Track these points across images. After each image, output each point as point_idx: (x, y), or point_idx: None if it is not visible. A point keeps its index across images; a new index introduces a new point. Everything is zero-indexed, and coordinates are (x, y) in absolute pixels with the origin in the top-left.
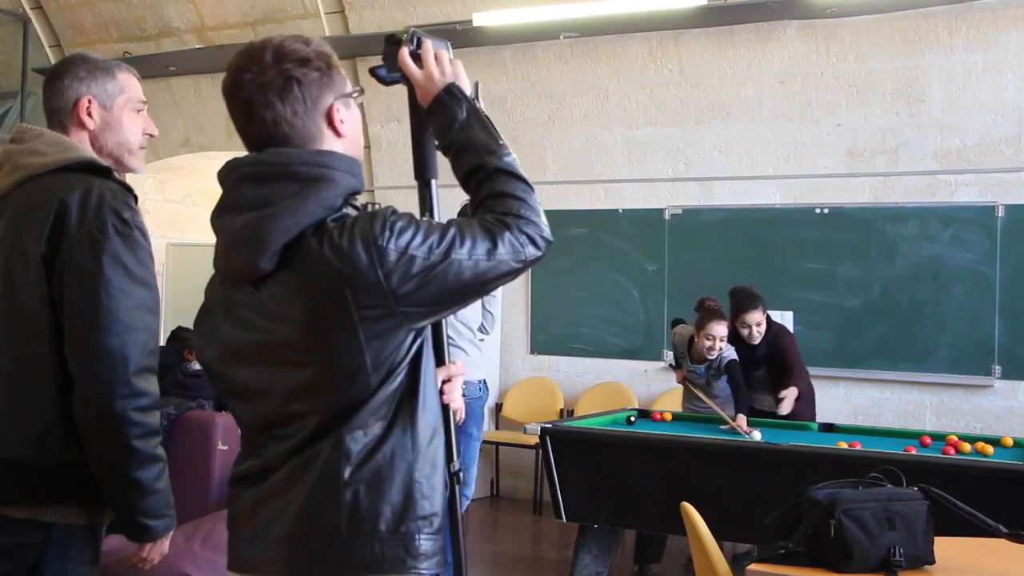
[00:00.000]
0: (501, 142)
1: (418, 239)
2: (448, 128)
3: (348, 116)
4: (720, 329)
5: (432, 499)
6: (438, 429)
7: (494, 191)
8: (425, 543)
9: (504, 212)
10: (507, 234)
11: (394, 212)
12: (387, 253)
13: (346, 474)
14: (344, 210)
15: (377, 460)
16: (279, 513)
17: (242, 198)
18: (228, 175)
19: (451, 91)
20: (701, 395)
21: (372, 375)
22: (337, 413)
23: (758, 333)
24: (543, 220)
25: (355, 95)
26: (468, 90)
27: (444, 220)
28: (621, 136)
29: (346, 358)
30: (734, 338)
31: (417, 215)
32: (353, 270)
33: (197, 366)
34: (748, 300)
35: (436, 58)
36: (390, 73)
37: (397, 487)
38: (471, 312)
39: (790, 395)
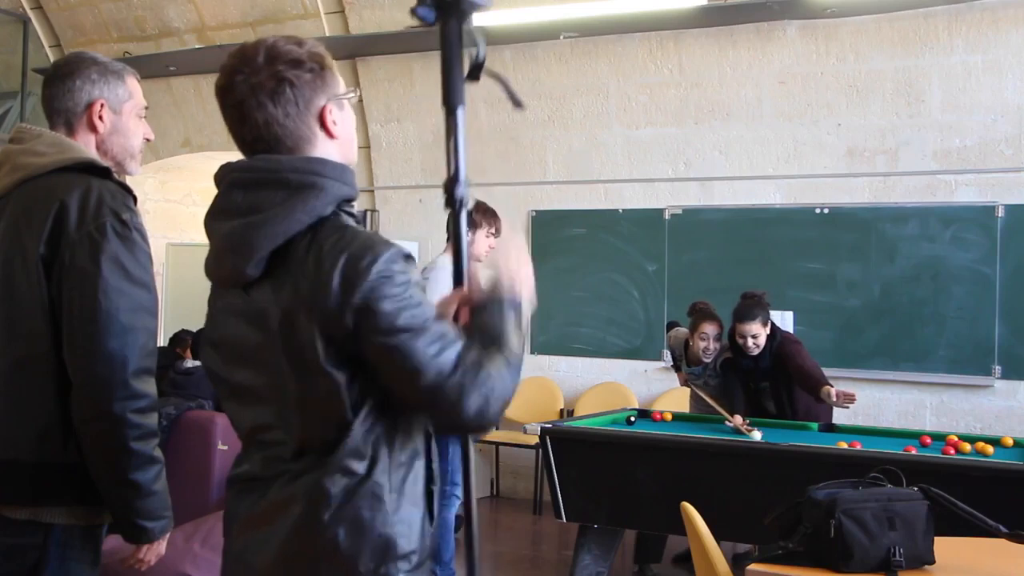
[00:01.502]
0: (518, 340)
1: (398, 305)
2: (487, 322)
3: (341, 117)
4: (712, 329)
5: (410, 536)
6: (419, 452)
7: (494, 360)
8: None
9: (488, 375)
10: (470, 383)
11: (395, 261)
12: (359, 293)
13: (326, 516)
14: (338, 217)
15: (356, 502)
16: (264, 542)
17: (232, 203)
18: (221, 179)
19: (514, 303)
20: (705, 396)
21: (345, 397)
22: (314, 433)
23: (755, 346)
24: (497, 410)
25: (349, 96)
26: (527, 302)
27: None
28: (621, 136)
29: (316, 375)
30: (733, 346)
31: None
32: (323, 293)
33: (190, 364)
34: (748, 311)
35: (515, 259)
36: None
37: (377, 529)
38: None
39: (836, 391)
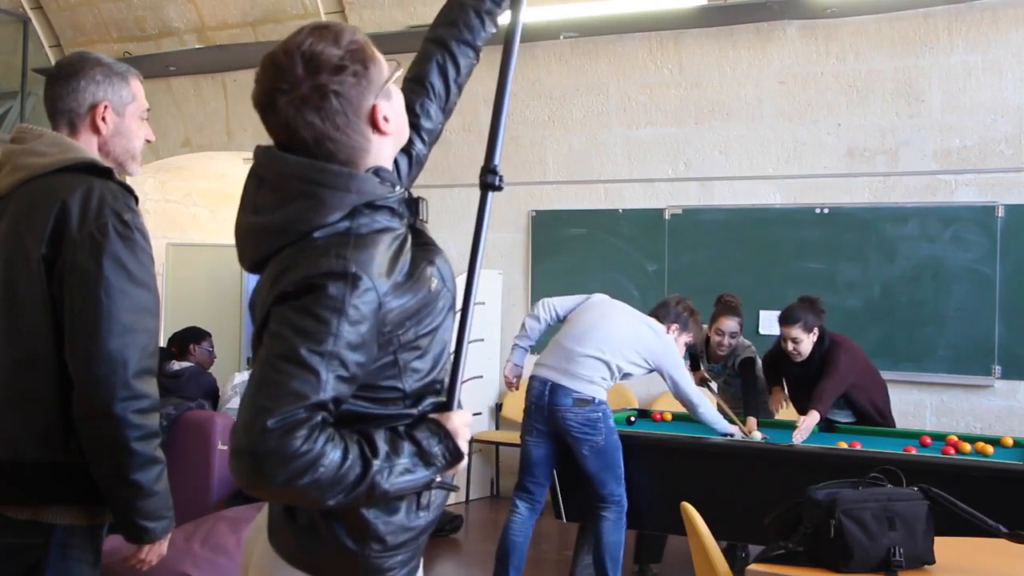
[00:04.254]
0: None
1: (301, 335)
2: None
3: (391, 109)
4: (730, 324)
5: (387, 521)
6: None
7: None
8: (376, 560)
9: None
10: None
11: (332, 298)
12: (278, 315)
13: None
14: (342, 224)
15: None
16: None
17: (247, 194)
18: (253, 158)
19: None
20: (717, 400)
21: None
22: None
23: (795, 351)
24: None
25: (394, 79)
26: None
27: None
28: (621, 136)
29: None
30: (780, 355)
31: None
32: (265, 298)
33: (177, 366)
34: (790, 313)
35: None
36: None
37: (351, 515)
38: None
39: (805, 424)
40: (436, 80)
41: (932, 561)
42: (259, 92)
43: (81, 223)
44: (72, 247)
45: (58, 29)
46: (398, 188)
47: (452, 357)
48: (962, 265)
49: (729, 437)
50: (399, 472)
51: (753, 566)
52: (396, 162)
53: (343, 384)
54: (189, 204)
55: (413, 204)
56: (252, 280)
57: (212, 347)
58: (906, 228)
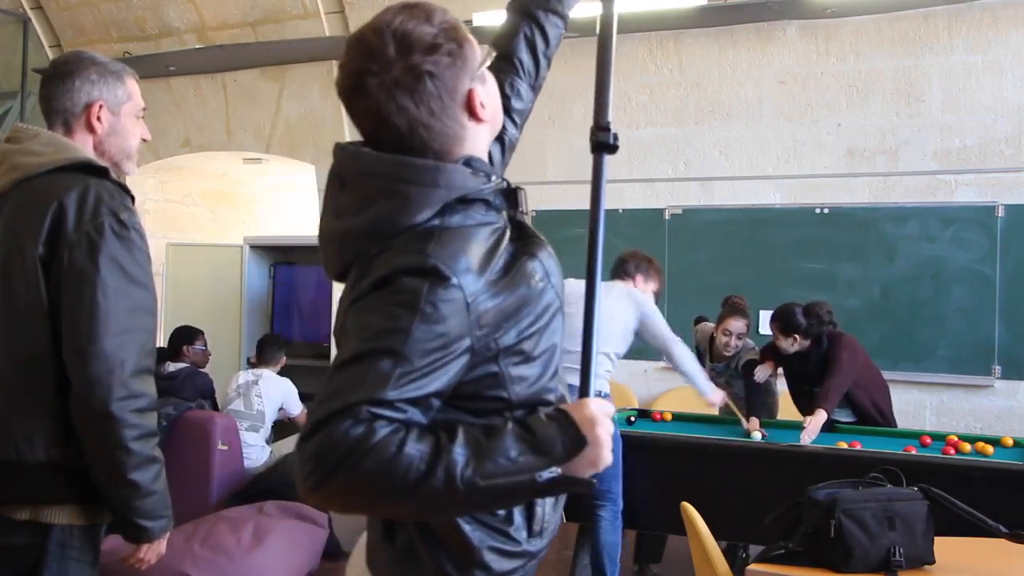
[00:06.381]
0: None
1: (368, 334)
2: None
3: (487, 95)
4: (737, 325)
5: (494, 543)
6: None
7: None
8: None
9: (381, 454)
10: (343, 433)
11: (406, 294)
12: (350, 319)
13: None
14: (436, 221)
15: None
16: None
17: (328, 197)
18: (333, 157)
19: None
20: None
21: None
22: None
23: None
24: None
25: (488, 63)
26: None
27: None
28: (621, 136)
29: None
30: (774, 352)
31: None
32: (343, 306)
33: (172, 367)
34: (773, 314)
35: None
36: None
37: (450, 535)
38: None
39: (813, 424)
40: (525, 55)
41: (932, 561)
42: (344, 75)
43: (78, 223)
44: (69, 247)
45: (58, 29)
46: (494, 178)
47: (582, 340)
48: (962, 265)
49: (713, 404)
50: (493, 458)
51: (753, 566)
52: (489, 150)
53: (413, 387)
54: (189, 204)
55: (511, 195)
56: (253, 280)
57: (205, 344)
58: (906, 228)
